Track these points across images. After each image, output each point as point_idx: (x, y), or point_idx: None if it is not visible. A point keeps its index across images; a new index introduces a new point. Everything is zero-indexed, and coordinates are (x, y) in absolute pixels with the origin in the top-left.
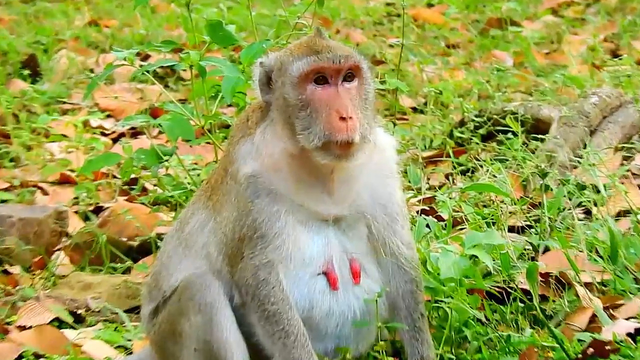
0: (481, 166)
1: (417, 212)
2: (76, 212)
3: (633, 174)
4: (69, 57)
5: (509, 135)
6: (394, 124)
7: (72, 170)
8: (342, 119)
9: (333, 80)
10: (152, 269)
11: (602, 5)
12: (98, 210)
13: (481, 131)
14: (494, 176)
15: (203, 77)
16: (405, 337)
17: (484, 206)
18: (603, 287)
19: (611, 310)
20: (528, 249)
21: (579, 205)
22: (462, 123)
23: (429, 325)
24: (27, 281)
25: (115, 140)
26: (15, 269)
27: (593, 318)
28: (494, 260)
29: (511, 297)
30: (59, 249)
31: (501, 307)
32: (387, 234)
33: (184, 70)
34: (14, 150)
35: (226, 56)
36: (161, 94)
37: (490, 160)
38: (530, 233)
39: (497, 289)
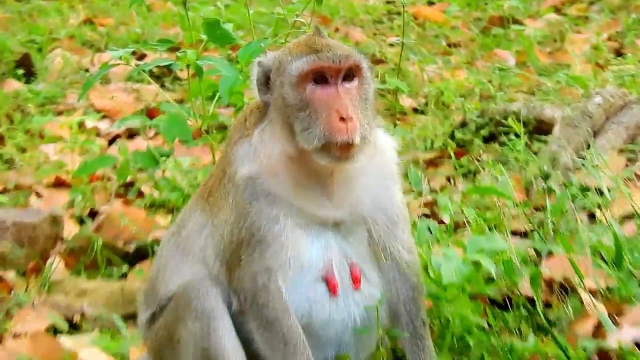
0: (483, 168)
1: (418, 215)
2: (71, 216)
3: (638, 176)
4: (64, 57)
5: (511, 136)
6: (394, 125)
7: (67, 173)
8: (342, 119)
9: (333, 80)
10: (148, 274)
11: (606, 3)
12: (93, 213)
13: (483, 132)
14: (496, 178)
15: (200, 77)
16: (407, 345)
17: (487, 209)
18: (608, 293)
19: (616, 317)
20: (531, 254)
21: (583, 208)
22: (463, 124)
23: (430, 332)
24: (22, 287)
25: (110, 142)
26: (10, 275)
27: (598, 325)
28: (496, 266)
29: (514, 304)
30: (54, 254)
31: (504, 313)
32: (388, 238)
33: (181, 69)
34: (8, 152)
35: (224, 55)
36: (157, 94)
37: (492, 162)
38: (534, 237)
39: (499, 295)
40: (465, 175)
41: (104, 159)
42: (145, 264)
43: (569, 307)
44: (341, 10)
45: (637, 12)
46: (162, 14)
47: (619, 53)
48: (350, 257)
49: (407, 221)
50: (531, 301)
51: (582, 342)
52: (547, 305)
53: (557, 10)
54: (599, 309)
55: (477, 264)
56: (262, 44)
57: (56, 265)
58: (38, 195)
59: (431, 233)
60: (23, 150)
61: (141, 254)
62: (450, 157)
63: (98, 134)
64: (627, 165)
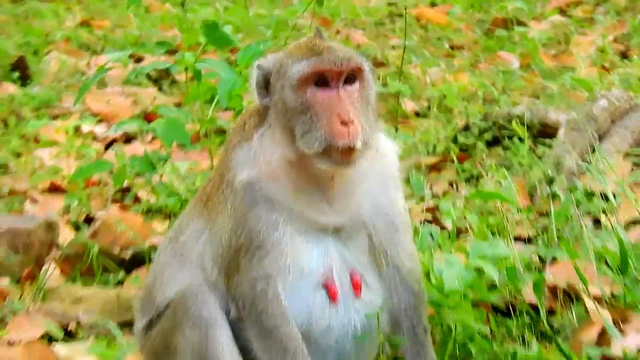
0: (486, 173)
1: (420, 221)
2: (67, 222)
3: None
4: (60, 59)
5: (515, 140)
6: (396, 129)
7: (63, 178)
8: (344, 123)
9: (334, 83)
10: (145, 281)
11: (612, 4)
12: (89, 219)
13: (486, 136)
14: (500, 183)
15: (198, 80)
16: (408, 353)
17: (490, 214)
18: (613, 300)
19: (621, 324)
20: (535, 260)
21: (588, 213)
22: (466, 128)
23: (432, 340)
24: (16, 294)
25: (107, 146)
26: (4, 281)
27: (602, 332)
28: (499, 272)
29: (517, 311)
30: (49, 261)
31: (507, 320)
32: (389, 244)
33: (179, 72)
34: (2, 156)
35: (222, 58)
36: (155, 97)
37: (496, 166)
38: (537, 243)
39: (502, 302)
40: (468, 180)
41: (100, 163)
42: (142, 270)
43: (573, 314)
44: (342, 12)
45: None
46: (160, 16)
47: (625, 55)
48: (350, 263)
49: (408, 227)
50: (535, 308)
51: (587, 350)
52: (551, 312)
53: (562, 11)
54: (603, 316)
55: (479, 271)
56: (261, 47)
57: (51, 272)
58: (33, 200)
59: (433, 239)
60: (18, 155)
61: (138, 261)
62: (452, 161)
63: (94, 139)
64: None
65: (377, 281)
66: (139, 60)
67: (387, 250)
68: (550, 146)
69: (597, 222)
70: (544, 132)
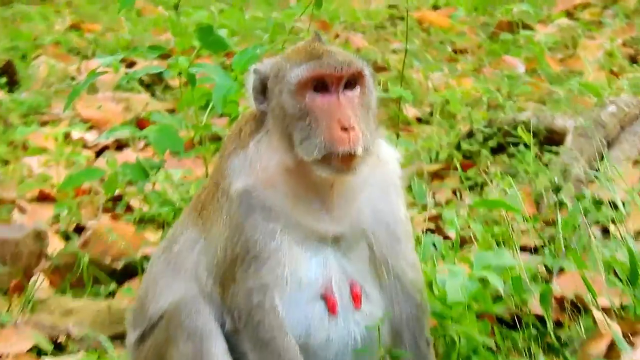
0: (491, 181)
1: (423, 230)
2: (56, 232)
3: None
4: (49, 64)
5: (521, 147)
6: (398, 135)
7: (52, 186)
8: (344, 129)
9: (334, 88)
10: (137, 292)
11: (620, 7)
12: (80, 229)
13: (491, 143)
14: (505, 191)
15: (193, 85)
16: None
17: (494, 224)
18: (622, 312)
19: (631, 337)
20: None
21: (596, 222)
22: (470, 134)
23: (435, 353)
24: (4, 306)
25: (98, 154)
26: None
27: (611, 345)
28: (504, 283)
29: (523, 323)
30: (38, 271)
31: (512, 333)
32: (390, 254)
33: (172, 77)
34: None
35: (217, 63)
36: (148, 103)
37: (501, 174)
38: (544, 253)
39: (508, 313)
40: (472, 188)
41: (91, 171)
42: (134, 281)
43: (581, 327)
44: (341, 15)
45: None
46: (153, 19)
47: (634, 59)
48: (350, 274)
49: (410, 236)
50: (541, 320)
51: None
52: (558, 324)
53: (569, 14)
54: (612, 328)
55: (484, 281)
56: (258, 51)
57: (40, 283)
58: (21, 209)
59: (436, 249)
60: (6, 163)
61: (130, 272)
62: (456, 169)
63: (85, 146)
64: None
65: (377, 292)
66: (130, 65)
67: (388, 260)
68: (557, 153)
69: (605, 231)
70: (551, 139)
